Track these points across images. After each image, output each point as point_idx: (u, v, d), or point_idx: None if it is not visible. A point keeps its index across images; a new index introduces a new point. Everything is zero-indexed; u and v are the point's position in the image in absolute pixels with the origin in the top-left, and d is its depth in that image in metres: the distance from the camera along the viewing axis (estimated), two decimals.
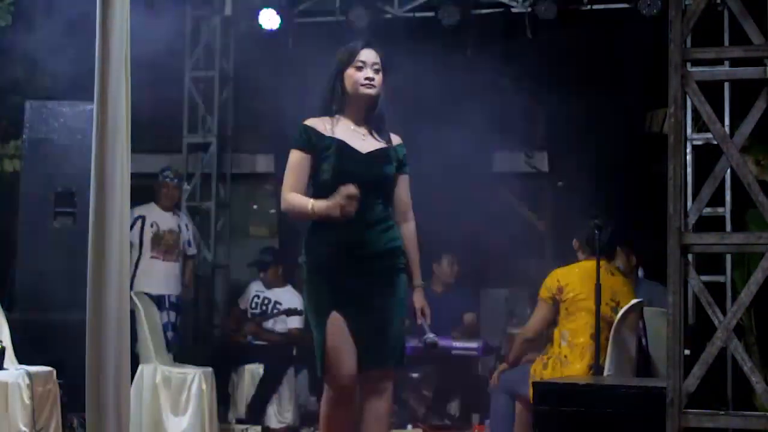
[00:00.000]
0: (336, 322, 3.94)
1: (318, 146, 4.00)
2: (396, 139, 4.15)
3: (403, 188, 4.13)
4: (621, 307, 5.22)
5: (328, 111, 4.09)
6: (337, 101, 4.07)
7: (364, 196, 3.92)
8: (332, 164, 3.97)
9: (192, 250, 7.49)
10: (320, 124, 4.04)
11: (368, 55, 4.05)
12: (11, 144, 7.12)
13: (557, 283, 5.29)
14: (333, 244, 3.96)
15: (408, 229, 4.14)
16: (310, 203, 3.95)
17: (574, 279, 5.29)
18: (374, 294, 3.97)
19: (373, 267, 3.98)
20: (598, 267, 5.21)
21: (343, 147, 3.99)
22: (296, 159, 4.03)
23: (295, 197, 4.00)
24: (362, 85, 4.02)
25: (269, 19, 7.67)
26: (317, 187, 4.03)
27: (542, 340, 5.57)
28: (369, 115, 4.08)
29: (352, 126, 4.06)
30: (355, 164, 3.98)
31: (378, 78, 4.04)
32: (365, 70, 4.02)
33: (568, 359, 5.21)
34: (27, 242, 6.26)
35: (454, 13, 7.42)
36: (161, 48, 5.67)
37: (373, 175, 4.00)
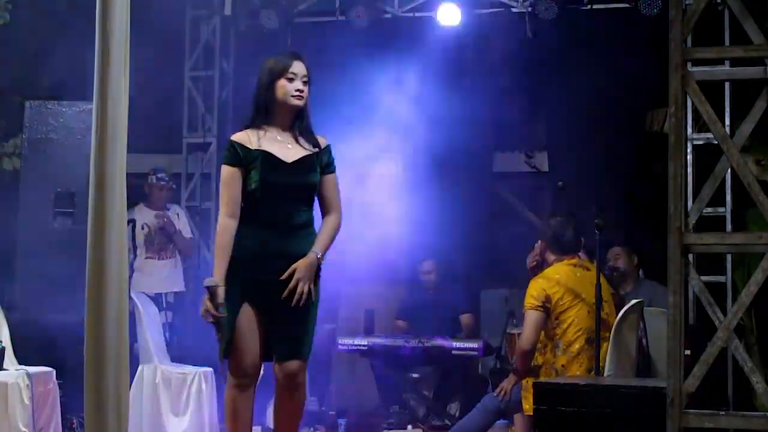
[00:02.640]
0: (246, 313, 4.12)
1: (245, 159, 4.15)
2: (323, 142, 4.28)
3: (329, 187, 4.27)
4: (605, 301, 5.25)
5: (256, 119, 4.24)
6: (265, 110, 4.23)
7: (289, 203, 4.14)
8: (259, 175, 4.12)
9: (187, 234, 7.42)
10: (246, 137, 4.20)
11: (299, 67, 4.22)
12: (10, 142, 7.11)
13: (544, 292, 5.26)
14: (257, 242, 4.12)
15: (329, 219, 4.26)
16: (216, 280, 4.07)
17: (559, 286, 5.28)
18: (290, 292, 4.08)
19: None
20: (599, 268, 5.21)
21: (268, 158, 4.14)
22: (227, 175, 4.17)
23: (223, 240, 4.11)
24: (293, 96, 4.20)
25: (269, 19, 7.66)
26: (245, 198, 4.16)
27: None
28: (295, 123, 4.24)
29: (279, 136, 4.22)
30: (280, 174, 4.14)
31: (306, 90, 4.23)
32: (296, 81, 4.20)
33: (567, 368, 5.19)
34: (27, 242, 6.25)
35: (454, 13, 7.42)
36: (161, 47, 5.67)
37: (297, 184, 4.17)
